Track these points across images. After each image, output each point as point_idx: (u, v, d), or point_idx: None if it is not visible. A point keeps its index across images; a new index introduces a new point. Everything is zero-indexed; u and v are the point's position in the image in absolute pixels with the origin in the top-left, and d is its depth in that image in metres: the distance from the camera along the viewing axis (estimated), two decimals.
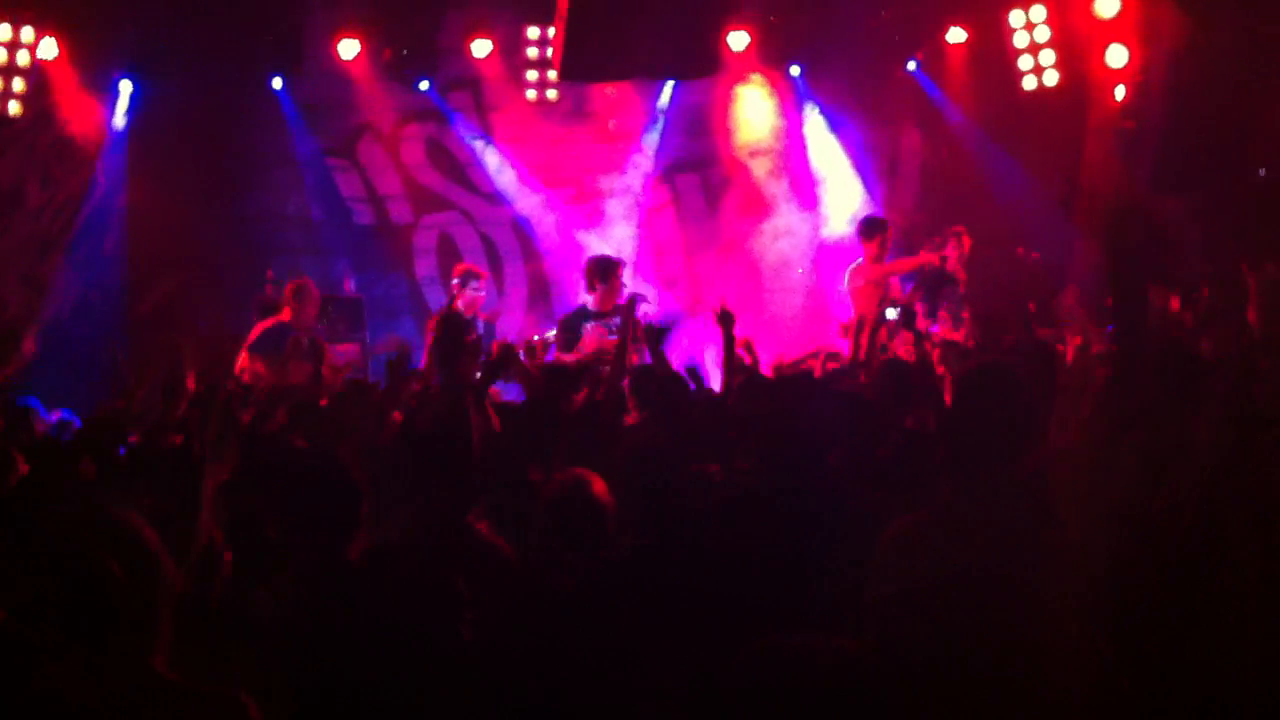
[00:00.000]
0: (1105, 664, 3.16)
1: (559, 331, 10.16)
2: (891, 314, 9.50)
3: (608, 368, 7.66)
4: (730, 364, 7.55)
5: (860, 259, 11.29)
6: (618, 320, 9.68)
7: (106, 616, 3.06)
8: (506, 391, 9.64)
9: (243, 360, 10.22)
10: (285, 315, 10.67)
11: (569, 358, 9.46)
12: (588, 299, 10.38)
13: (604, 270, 10.35)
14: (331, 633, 3.87)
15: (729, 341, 7.56)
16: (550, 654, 3.29)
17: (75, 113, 11.91)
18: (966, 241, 11.52)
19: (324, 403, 7.39)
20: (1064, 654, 3.08)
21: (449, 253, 13.59)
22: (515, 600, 3.55)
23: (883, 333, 9.12)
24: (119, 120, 12.36)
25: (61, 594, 3.08)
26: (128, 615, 3.07)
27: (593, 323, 10.11)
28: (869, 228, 11.29)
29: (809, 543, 3.84)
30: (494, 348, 9.18)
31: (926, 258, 11.07)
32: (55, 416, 8.98)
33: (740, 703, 2.43)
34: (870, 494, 4.35)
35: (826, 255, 13.14)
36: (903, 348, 9.24)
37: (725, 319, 7.60)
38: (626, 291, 9.71)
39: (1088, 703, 3.04)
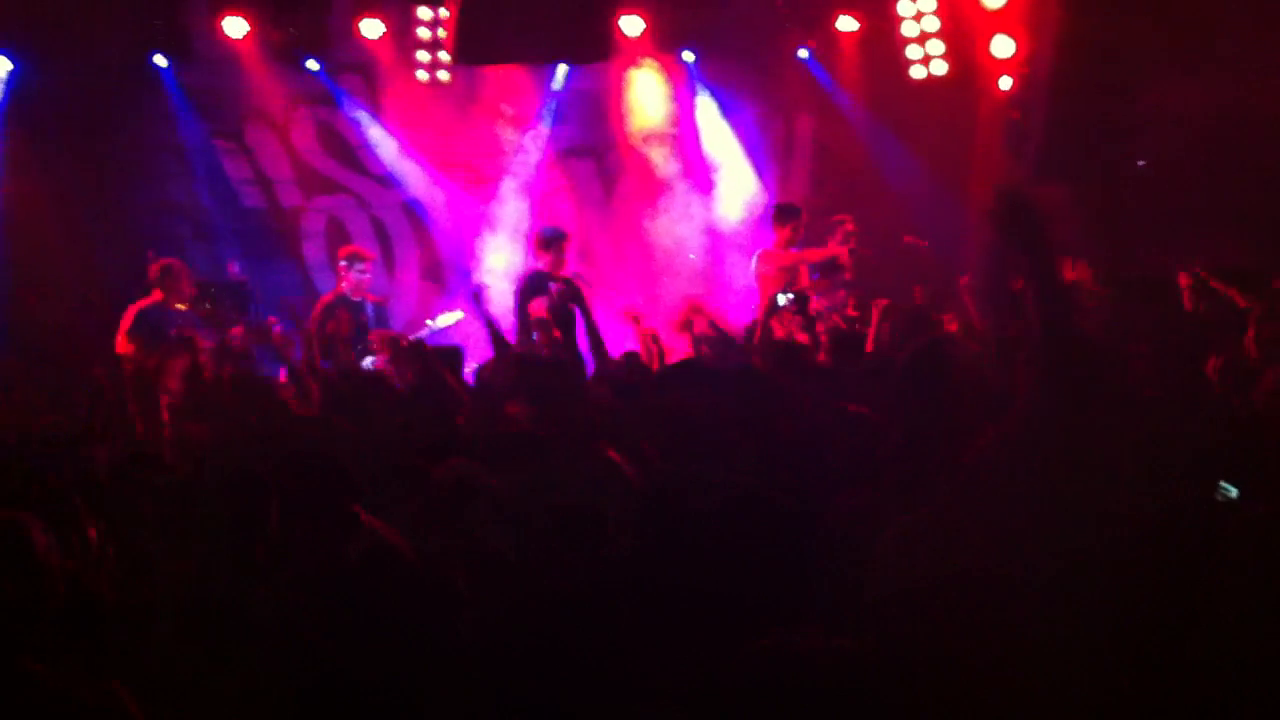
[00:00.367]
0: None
1: (523, 290, 10.17)
2: (783, 300, 9.65)
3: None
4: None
5: (770, 244, 11.43)
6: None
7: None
8: None
9: (121, 345, 10.04)
10: (157, 297, 10.45)
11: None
12: (539, 264, 10.63)
13: (554, 239, 10.68)
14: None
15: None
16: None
17: None
18: (851, 230, 11.70)
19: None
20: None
21: (338, 236, 13.41)
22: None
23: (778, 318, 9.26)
24: None
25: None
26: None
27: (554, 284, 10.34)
28: (782, 214, 11.41)
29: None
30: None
31: (836, 249, 11.20)
32: None
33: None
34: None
35: (720, 240, 13.26)
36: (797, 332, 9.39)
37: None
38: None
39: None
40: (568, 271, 10.45)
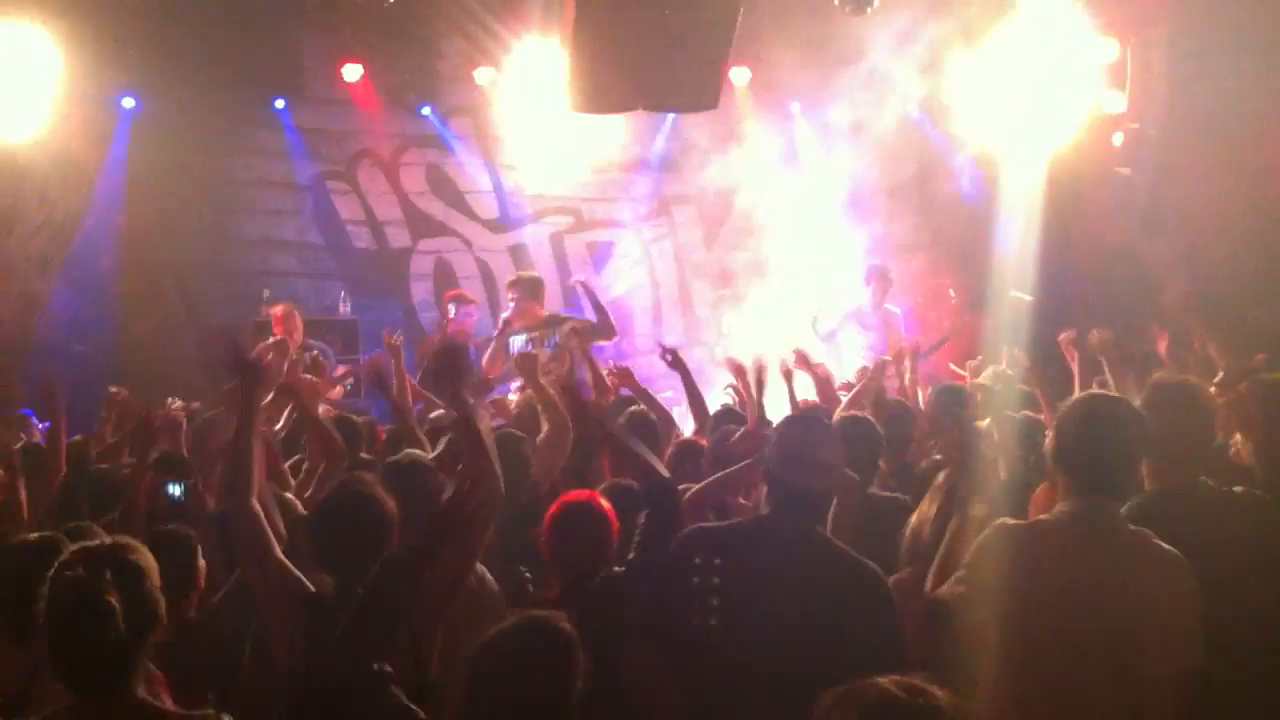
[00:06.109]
0: None
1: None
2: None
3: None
4: (696, 397, 7.58)
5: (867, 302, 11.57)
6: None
7: (95, 648, 3.06)
8: None
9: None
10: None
11: None
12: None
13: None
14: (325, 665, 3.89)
15: (686, 375, 7.62)
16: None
17: (76, 130, 11.84)
18: (956, 300, 11.71)
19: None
20: None
21: (445, 278, 13.61)
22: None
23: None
24: (119, 139, 12.33)
25: (57, 625, 3.09)
26: (118, 646, 3.07)
27: None
28: (872, 274, 11.63)
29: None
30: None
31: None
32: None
33: None
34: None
35: (821, 290, 13.18)
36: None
37: (677, 361, 7.65)
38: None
39: None
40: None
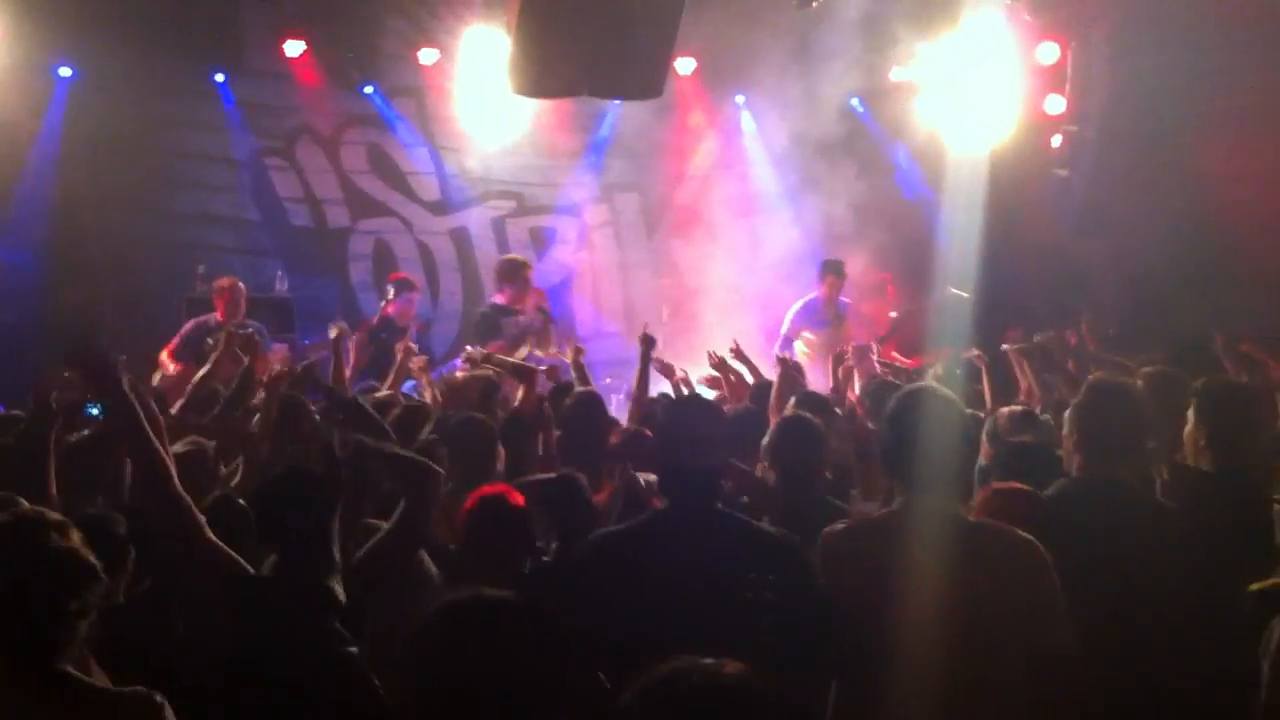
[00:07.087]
0: None
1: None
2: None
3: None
4: (643, 386, 7.64)
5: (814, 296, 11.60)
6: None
7: (25, 624, 3.05)
8: None
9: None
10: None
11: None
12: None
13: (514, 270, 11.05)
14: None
15: (645, 363, 7.72)
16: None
17: (10, 98, 11.68)
18: (891, 290, 11.77)
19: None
20: None
21: (385, 259, 13.52)
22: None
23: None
24: (54, 107, 12.17)
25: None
26: (47, 621, 3.06)
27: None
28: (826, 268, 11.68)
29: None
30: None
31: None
32: None
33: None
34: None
35: (761, 279, 13.19)
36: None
37: (646, 341, 7.72)
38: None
39: None
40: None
